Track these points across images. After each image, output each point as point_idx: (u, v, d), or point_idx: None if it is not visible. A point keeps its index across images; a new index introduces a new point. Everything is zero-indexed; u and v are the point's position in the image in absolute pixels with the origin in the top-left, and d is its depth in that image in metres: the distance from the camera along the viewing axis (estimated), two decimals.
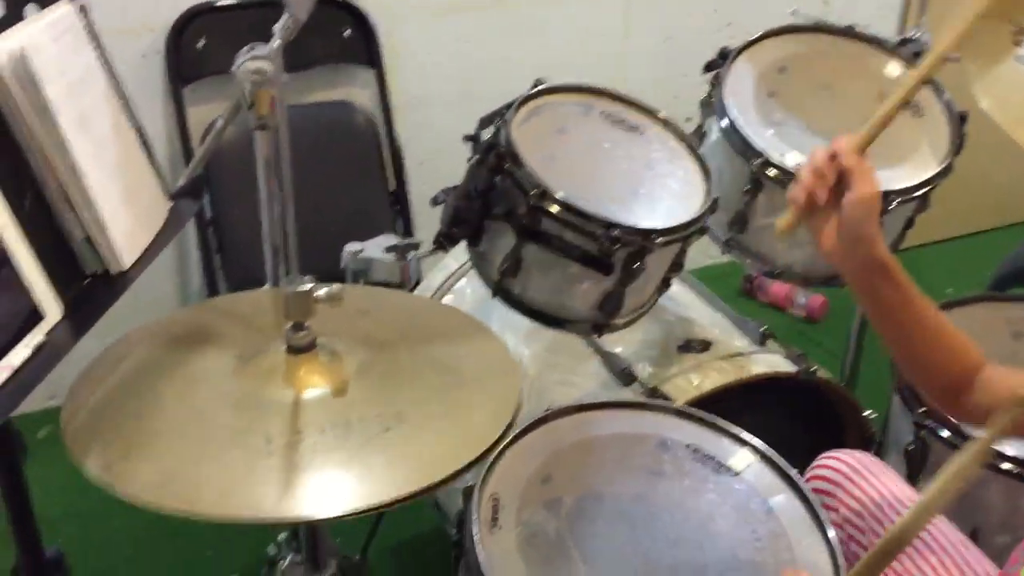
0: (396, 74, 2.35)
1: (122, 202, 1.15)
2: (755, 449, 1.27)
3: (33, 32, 1.07)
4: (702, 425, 1.30)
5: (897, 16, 2.49)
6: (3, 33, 1.06)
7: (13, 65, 1.02)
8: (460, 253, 1.61)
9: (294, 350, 1.07)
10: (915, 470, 1.54)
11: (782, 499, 1.20)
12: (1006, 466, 1.43)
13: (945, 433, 1.51)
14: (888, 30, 2.55)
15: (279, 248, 1.27)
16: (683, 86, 2.60)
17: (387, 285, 1.56)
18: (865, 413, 1.64)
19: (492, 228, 1.39)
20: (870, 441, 1.63)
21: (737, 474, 1.24)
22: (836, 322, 2.66)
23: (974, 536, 1.32)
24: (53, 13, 1.14)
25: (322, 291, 1.05)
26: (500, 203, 1.35)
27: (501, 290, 1.40)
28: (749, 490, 1.22)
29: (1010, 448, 1.44)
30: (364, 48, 2.27)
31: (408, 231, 2.36)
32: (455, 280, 1.81)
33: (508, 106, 1.39)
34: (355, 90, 2.34)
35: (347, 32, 2.25)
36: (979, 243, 3.19)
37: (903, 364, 1.19)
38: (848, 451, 1.36)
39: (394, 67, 2.34)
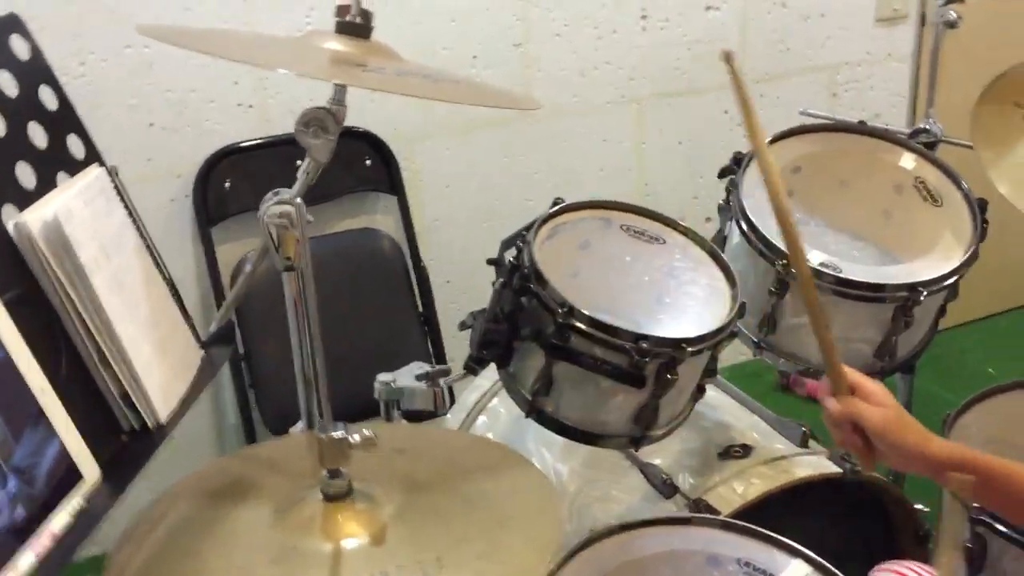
0: (418, 197, 2.39)
1: (156, 356, 1.17)
2: (808, 559, 1.23)
3: (65, 198, 1.09)
4: (751, 537, 1.27)
5: (907, 106, 2.52)
6: (36, 202, 1.09)
7: (47, 233, 1.05)
8: (492, 371, 1.61)
9: (330, 498, 1.06)
10: (975, 568, 1.49)
11: None
12: None
13: (1003, 528, 1.45)
14: (898, 120, 2.59)
15: (312, 386, 1.27)
16: (700, 187, 2.64)
17: (421, 412, 1.56)
18: (917, 506, 1.60)
19: (521, 349, 1.39)
20: (925, 539, 1.58)
21: None
22: None
23: None
24: (85, 178, 1.17)
25: (356, 437, 1.04)
26: (528, 324, 1.36)
27: (534, 410, 1.39)
28: None
29: None
30: (385, 175, 2.32)
31: (438, 351, 2.36)
32: (488, 399, 1.81)
33: (529, 227, 1.41)
34: (379, 216, 2.38)
35: (368, 161, 2.31)
36: (1018, 319, 3.15)
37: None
38: (903, 563, 1.32)
39: (416, 191, 2.39)
